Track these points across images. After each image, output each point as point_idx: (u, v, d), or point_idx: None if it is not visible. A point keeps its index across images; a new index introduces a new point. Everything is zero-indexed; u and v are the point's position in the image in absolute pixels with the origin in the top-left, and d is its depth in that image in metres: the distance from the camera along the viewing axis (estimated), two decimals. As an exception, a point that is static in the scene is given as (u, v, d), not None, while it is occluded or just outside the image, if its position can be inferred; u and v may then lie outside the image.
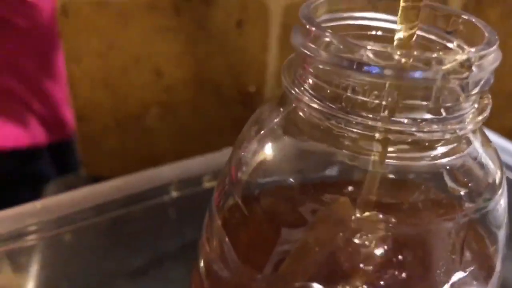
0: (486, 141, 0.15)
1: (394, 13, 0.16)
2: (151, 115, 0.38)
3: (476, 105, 0.14)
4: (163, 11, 0.34)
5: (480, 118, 0.13)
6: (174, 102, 0.38)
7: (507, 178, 0.29)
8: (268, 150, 0.15)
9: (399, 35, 0.13)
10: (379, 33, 0.16)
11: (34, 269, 0.27)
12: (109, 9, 0.34)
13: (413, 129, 0.12)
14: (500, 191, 0.15)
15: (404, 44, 0.13)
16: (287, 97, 0.15)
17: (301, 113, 0.15)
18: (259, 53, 0.38)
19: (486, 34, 0.13)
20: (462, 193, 0.13)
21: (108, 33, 0.35)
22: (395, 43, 0.13)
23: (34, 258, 0.27)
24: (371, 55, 0.12)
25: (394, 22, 0.16)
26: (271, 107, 0.16)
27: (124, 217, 0.26)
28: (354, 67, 0.12)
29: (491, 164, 0.15)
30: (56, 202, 0.26)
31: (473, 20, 0.14)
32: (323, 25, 0.16)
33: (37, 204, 0.26)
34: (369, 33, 0.16)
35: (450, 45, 0.15)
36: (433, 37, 0.15)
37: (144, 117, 0.38)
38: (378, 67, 0.12)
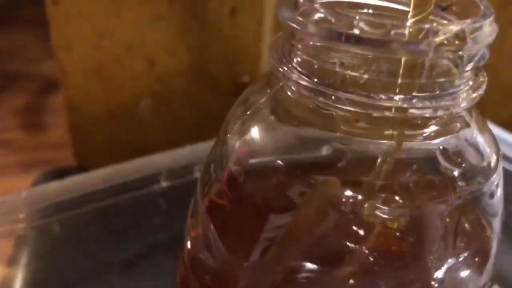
0: (482, 123, 0.15)
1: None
2: (143, 105, 0.37)
3: (470, 83, 0.13)
4: (156, -1, 0.34)
5: (474, 95, 0.13)
6: (167, 92, 0.37)
7: (505, 169, 0.28)
8: (254, 132, 0.15)
9: (411, 20, 0.12)
10: (370, 11, 0.16)
11: (22, 259, 0.27)
12: (100, -4, 0.33)
13: (405, 105, 0.12)
14: (495, 175, 0.15)
15: (417, 31, 0.12)
16: (274, 76, 0.15)
17: (289, 92, 0.14)
18: (253, 42, 0.37)
19: (482, 7, 0.13)
20: (455, 173, 0.13)
21: (100, 21, 0.34)
22: (407, 30, 0.13)
23: (23, 248, 0.27)
24: (363, 26, 0.11)
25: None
26: (259, 87, 0.16)
27: (113, 207, 0.26)
28: (343, 39, 0.11)
29: (486, 147, 0.14)
30: (44, 191, 0.25)
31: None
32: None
33: (24, 194, 0.25)
34: (360, 11, 0.15)
35: (444, 21, 0.15)
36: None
37: (136, 107, 0.37)
38: (369, 39, 0.11)
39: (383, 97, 0.12)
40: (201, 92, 0.38)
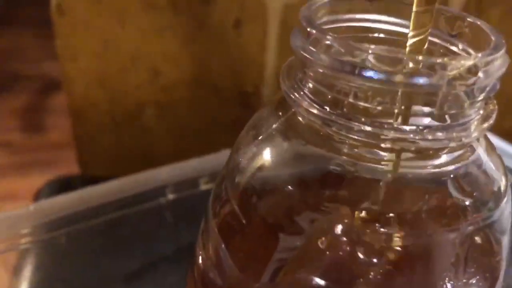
0: (491, 148, 0.15)
1: (396, 15, 0.16)
2: (148, 114, 0.37)
3: (481, 111, 0.13)
4: (161, 10, 0.34)
5: (485, 125, 0.13)
6: (171, 101, 0.37)
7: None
8: (266, 156, 0.15)
9: (411, 41, 0.12)
10: (382, 35, 0.16)
11: (28, 272, 0.27)
12: (105, 7, 0.33)
13: (417, 137, 0.12)
14: (505, 200, 0.15)
15: (417, 50, 0.13)
16: (286, 101, 0.15)
17: (300, 118, 0.14)
18: (257, 52, 0.37)
19: (493, 38, 0.13)
20: (466, 203, 0.13)
21: (105, 31, 0.34)
22: (407, 49, 0.13)
23: (28, 261, 0.27)
24: (373, 60, 0.12)
25: (396, 24, 0.16)
26: (270, 111, 0.16)
27: (119, 220, 0.26)
28: (356, 72, 0.12)
29: (495, 172, 0.14)
30: (50, 204, 0.25)
31: (479, 23, 0.14)
32: (324, 27, 0.15)
33: (31, 207, 0.25)
34: (371, 35, 0.16)
35: (454, 48, 0.15)
36: (436, 40, 0.15)
37: (141, 116, 0.37)
38: (381, 73, 0.11)
39: (394, 128, 0.12)
40: (206, 101, 0.38)
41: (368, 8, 0.15)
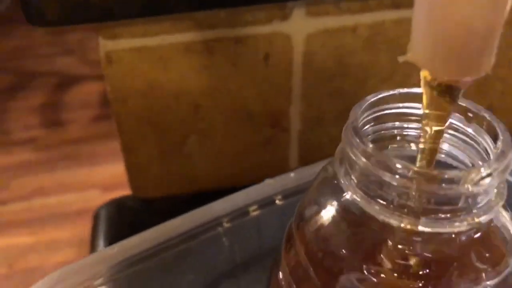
0: (505, 210, 0.19)
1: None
2: (190, 142, 0.42)
3: (495, 190, 0.17)
4: (198, 53, 0.38)
5: (500, 203, 0.17)
6: (210, 129, 0.41)
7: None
8: (325, 229, 0.19)
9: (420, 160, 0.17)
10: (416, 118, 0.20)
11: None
12: (149, 54, 0.37)
13: (444, 229, 0.16)
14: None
15: (427, 163, 0.17)
16: (339, 182, 0.19)
17: (349, 197, 0.18)
18: (284, 79, 0.41)
19: (501, 137, 0.17)
20: (484, 263, 0.17)
21: (150, 75, 0.38)
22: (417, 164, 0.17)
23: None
24: (403, 170, 0.16)
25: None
26: (326, 188, 0.20)
27: (186, 250, 0.31)
28: (387, 181, 0.16)
29: (508, 230, 0.19)
30: (128, 244, 0.30)
31: (489, 118, 0.18)
32: (371, 115, 0.19)
33: (109, 249, 0.29)
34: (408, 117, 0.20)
35: (469, 130, 0.19)
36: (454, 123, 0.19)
37: (184, 144, 0.42)
38: (405, 186, 0.15)
39: (425, 218, 0.16)
40: (240, 127, 0.42)
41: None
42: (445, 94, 0.17)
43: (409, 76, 0.44)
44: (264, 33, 0.38)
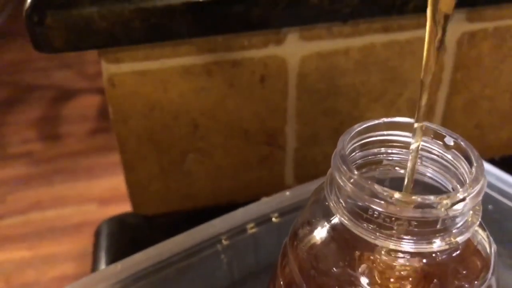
0: (481, 228, 0.21)
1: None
2: (189, 160, 0.43)
3: (471, 212, 0.19)
4: (197, 75, 0.39)
5: (476, 224, 0.19)
6: (209, 147, 0.43)
7: (504, 204, 0.35)
8: (318, 245, 0.21)
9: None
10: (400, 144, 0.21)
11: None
12: (150, 77, 0.39)
13: (424, 249, 0.17)
14: (492, 261, 0.21)
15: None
16: (329, 202, 0.21)
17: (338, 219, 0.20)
18: (280, 100, 0.43)
19: (474, 165, 0.18)
20: (463, 282, 0.19)
21: (150, 96, 0.40)
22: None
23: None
24: (385, 196, 0.17)
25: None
26: (318, 212, 0.22)
27: (186, 267, 0.32)
28: (371, 205, 0.17)
29: (485, 245, 0.20)
30: (131, 262, 0.31)
31: (464, 146, 0.19)
32: (358, 142, 0.21)
33: (113, 267, 0.31)
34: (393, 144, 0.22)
35: (449, 156, 0.21)
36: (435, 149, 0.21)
37: (183, 162, 0.43)
38: (388, 210, 0.17)
39: (407, 239, 0.18)
40: (237, 145, 0.44)
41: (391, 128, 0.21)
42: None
43: (400, 95, 0.46)
44: (260, 56, 0.40)
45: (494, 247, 0.21)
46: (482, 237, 0.20)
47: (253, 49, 0.40)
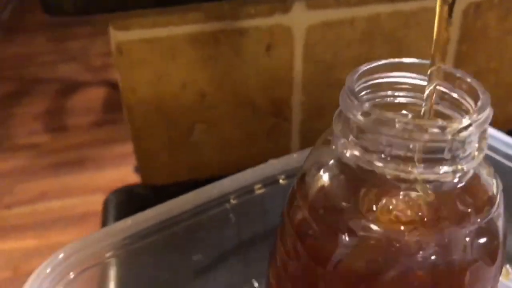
0: (486, 163, 0.21)
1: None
2: (197, 130, 0.44)
3: (476, 145, 0.19)
4: (205, 43, 0.40)
5: (482, 155, 0.19)
6: (216, 117, 0.44)
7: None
8: (326, 184, 0.21)
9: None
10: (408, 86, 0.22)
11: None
12: (157, 44, 0.39)
13: (432, 174, 0.18)
14: (498, 198, 0.21)
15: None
16: (337, 141, 0.21)
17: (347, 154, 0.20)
18: (286, 70, 0.43)
19: (481, 96, 0.19)
20: (469, 210, 0.19)
21: (158, 65, 0.40)
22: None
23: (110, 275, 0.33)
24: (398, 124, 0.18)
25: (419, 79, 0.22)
26: (325, 148, 0.22)
27: (196, 224, 0.32)
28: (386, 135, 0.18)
29: (489, 180, 0.21)
30: (141, 218, 0.32)
31: (471, 83, 0.20)
32: (365, 84, 0.21)
33: (123, 223, 0.31)
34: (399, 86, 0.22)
35: (455, 95, 0.21)
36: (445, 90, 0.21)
37: (191, 132, 0.44)
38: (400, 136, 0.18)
39: (415, 168, 0.18)
40: (244, 116, 0.44)
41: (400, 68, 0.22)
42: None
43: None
44: (266, 25, 0.40)
45: (500, 185, 0.22)
46: (487, 172, 0.21)
47: (260, 18, 0.40)
